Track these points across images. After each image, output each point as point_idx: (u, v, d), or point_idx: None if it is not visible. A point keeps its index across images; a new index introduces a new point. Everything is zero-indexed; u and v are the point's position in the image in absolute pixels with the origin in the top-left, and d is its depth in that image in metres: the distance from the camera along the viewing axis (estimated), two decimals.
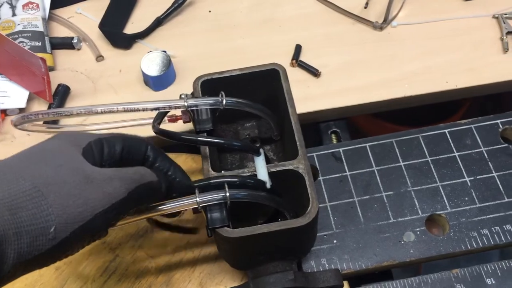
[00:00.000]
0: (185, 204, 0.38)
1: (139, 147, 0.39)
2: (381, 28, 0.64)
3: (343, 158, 0.53)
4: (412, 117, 0.72)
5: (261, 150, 0.42)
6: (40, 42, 0.63)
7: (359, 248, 0.48)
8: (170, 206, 0.37)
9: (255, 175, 0.41)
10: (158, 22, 0.66)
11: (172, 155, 0.56)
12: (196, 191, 0.38)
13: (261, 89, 0.48)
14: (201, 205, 0.37)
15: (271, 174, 0.41)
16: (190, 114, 0.43)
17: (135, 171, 0.36)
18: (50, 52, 0.64)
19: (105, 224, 0.33)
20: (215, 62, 0.63)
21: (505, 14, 0.64)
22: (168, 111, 0.43)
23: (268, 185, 0.40)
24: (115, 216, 0.34)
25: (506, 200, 0.49)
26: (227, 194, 0.37)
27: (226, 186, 0.38)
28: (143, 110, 0.40)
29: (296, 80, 0.61)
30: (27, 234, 0.29)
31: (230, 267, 0.47)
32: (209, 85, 0.47)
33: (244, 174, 0.41)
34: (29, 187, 0.30)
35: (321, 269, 0.47)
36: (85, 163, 0.34)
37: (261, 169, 0.41)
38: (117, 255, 0.51)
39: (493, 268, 0.46)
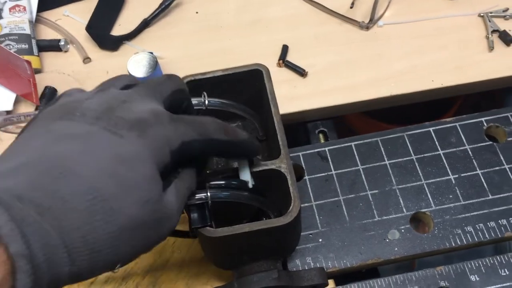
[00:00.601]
0: None
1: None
2: (367, 28, 0.64)
3: (329, 157, 0.53)
4: (404, 115, 0.72)
5: None
6: (27, 45, 0.63)
7: (344, 246, 0.48)
8: None
9: (238, 175, 0.41)
10: (145, 24, 0.66)
11: None
12: None
13: (245, 89, 0.48)
14: None
15: (254, 174, 0.42)
16: None
17: (189, 190, 0.35)
18: (37, 54, 0.64)
19: None
20: (203, 63, 0.63)
21: (491, 13, 0.64)
22: None
23: (250, 185, 0.40)
24: None
25: (490, 197, 0.49)
26: (208, 194, 0.37)
27: (207, 186, 0.38)
28: None
29: (283, 80, 0.61)
30: (93, 273, 0.29)
31: (217, 268, 0.47)
32: (193, 86, 0.47)
33: (227, 174, 0.42)
34: (115, 230, 0.28)
35: (306, 268, 0.47)
36: (163, 194, 0.31)
37: (244, 169, 0.41)
38: None
39: (477, 265, 0.46)
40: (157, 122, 0.32)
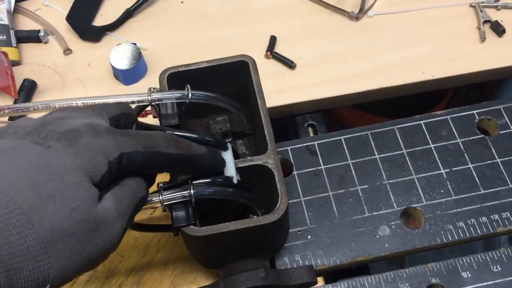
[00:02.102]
0: (148, 203, 0.36)
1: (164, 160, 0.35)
2: (357, 18, 0.63)
3: (318, 152, 0.52)
4: (394, 107, 0.71)
5: (229, 145, 0.41)
6: (4, 36, 0.61)
7: (334, 243, 0.47)
8: None
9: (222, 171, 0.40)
10: (128, 14, 0.64)
11: None
12: (160, 189, 0.37)
13: (231, 82, 0.46)
14: (165, 203, 0.36)
15: (240, 170, 0.40)
16: (155, 108, 0.41)
17: (133, 196, 0.32)
18: (15, 46, 0.61)
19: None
20: (188, 55, 0.61)
21: (482, 3, 0.63)
22: (147, 105, 0.41)
23: (235, 180, 0.39)
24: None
25: (482, 192, 0.48)
26: (192, 191, 0.36)
27: (190, 183, 0.36)
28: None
29: (271, 72, 0.60)
30: None
31: (203, 266, 0.46)
32: (177, 79, 0.45)
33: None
34: (35, 244, 0.26)
35: (295, 266, 0.46)
36: (97, 202, 0.30)
37: (229, 164, 0.39)
38: None
39: (469, 261, 0.45)
40: (92, 132, 0.31)
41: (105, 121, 0.33)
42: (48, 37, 0.64)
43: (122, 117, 0.35)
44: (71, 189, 0.29)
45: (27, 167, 0.28)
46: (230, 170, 0.39)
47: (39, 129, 0.30)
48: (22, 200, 0.27)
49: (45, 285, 0.27)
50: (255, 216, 0.41)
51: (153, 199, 0.36)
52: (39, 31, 0.63)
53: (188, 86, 0.41)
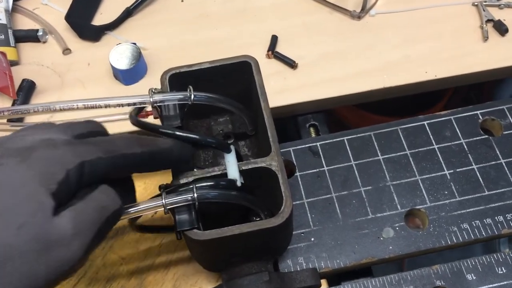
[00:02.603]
0: (151, 206, 0.35)
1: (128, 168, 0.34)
2: (359, 17, 0.62)
3: (321, 153, 0.51)
4: (395, 106, 0.71)
5: (232, 147, 0.40)
6: (2, 35, 0.60)
7: (337, 245, 0.46)
8: (134, 209, 0.35)
9: (226, 173, 0.39)
10: (128, 13, 0.63)
11: None
12: (163, 192, 0.36)
13: (233, 82, 0.46)
14: (168, 207, 0.35)
15: (243, 172, 0.39)
16: (157, 109, 0.41)
17: (100, 210, 0.31)
18: (13, 45, 0.61)
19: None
20: (188, 54, 0.61)
21: (485, 2, 0.62)
22: (145, 106, 0.41)
23: (239, 183, 0.38)
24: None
25: (486, 193, 0.48)
26: (195, 195, 0.35)
27: (194, 186, 0.36)
28: (105, 107, 0.37)
29: (273, 72, 0.59)
30: None
31: (205, 269, 0.45)
32: (178, 79, 0.44)
33: (215, 173, 0.39)
34: None
35: (299, 268, 0.45)
36: (50, 217, 0.28)
37: (232, 167, 0.39)
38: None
39: (473, 263, 0.45)
40: (46, 146, 0.30)
41: (68, 137, 0.32)
42: (47, 36, 0.63)
43: (91, 135, 0.34)
44: (21, 203, 0.27)
45: None
46: (233, 172, 0.38)
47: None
48: None
49: None
50: (259, 220, 0.40)
51: (156, 203, 0.35)
52: (37, 30, 0.62)
53: (191, 87, 0.40)
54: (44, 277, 0.27)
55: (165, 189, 0.37)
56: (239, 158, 0.41)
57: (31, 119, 0.55)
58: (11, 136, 0.32)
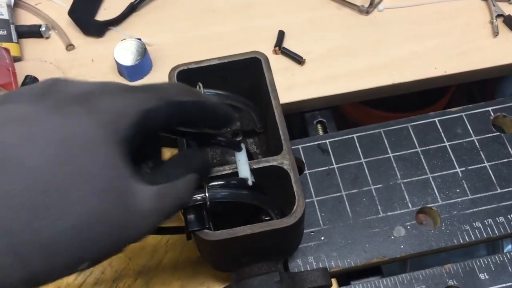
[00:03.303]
0: None
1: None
2: (367, 12, 0.61)
3: (330, 150, 0.50)
4: (399, 103, 0.70)
5: (243, 145, 0.39)
6: (5, 31, 0.59)
7: (348, 244, 0.45)
8: None
9: (236, 172, 0.38)
10: (132, 8, 0.62)
11: None
12: None
13: (242, 79, 0.45)
14: None
15: (254, 171, 0.39)
16: None
17: (177, 199, 0.30)
18: (16, 41, 0.60)
19: None
20: (194, 50, 0.60)
21: None
22: None
23: (250, 182, 0.37)
24: None
25: (499, 191, 0.47)
26: (207, 194, 0.34)
27: (205, 186, 0.35)
28: None
29: (280, 68, 0.58)
30: (51, 275, 0.25)
31: (214, 270, 0.45)
32: (186, 76, 0.43)
33: (225, 172, 0.39)
34: (66, 228, 0.24)
35: (309, 268, 0.44)
36: (130, 181, 0.27)
37: (243, 166, 0.38)
38: None
39: (486, 262, 0.44)
40: (106, 92, 0.28)
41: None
42: (50, 32, 0.62)
43: None
44: (101, 166, 0.26)
45: (50, 141, 0.25)
46: (245, 171, 0.38)
47: (50, 92, 0.27)
48: (50, 181, 0.24)
49: (76, 267, 0.26)
50: (268, 219, 0.39)
51: None
52: (40, 26, 0.61)
53: (200, 84, 0.39)
54: (122, 243, 0.27)
55: None
56: (249, 156, 0.40)
57: None
58: (61, 80, 0.29)
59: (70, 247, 0.25)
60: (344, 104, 0.86)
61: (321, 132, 0.56)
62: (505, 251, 0.68)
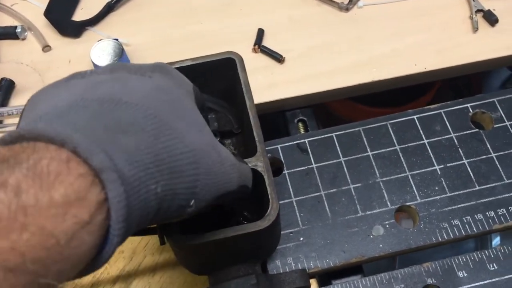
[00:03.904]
0: None
1: None
2: (347, 9, 0.61)
3: (309, 150, 0.50)
4: (385, 97, 0.70)
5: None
6: None
7: (327, 244, 0.45)
8: None
9: None
10: (109, 8, 0.61)
11: None
12: None
13: (217, 79, 0.44)
14: None
15: None
16: None
17: (249, 169, 0.34)
18: None
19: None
20: (172, 50, 0.59)
21: None
22: None
23: None
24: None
25: (477, 188, 0.47)
26: None
27: None
28: None
29: (260, 67, 0.58)
30: (174, 201, 0.25)
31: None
32: None
33: None
34: (187, 151, 0.26)
35: (288, 269, 0.44)
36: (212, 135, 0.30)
37: None
38: None
39: (464, 260, 0.44)
40: (167, 66, 0.32)
41: None
42: (26, 33, 0.61)
43: None
44: (191, 110, 0.29)
45: (146, 87, 0.28)
46: None
47: (118, 67, 0.30)
48: (160, 112, 0.26)
49: (192, 198, 0.27)
50: (245, 222, 0.39)
51: None
52: (16, 27, 0.60)
53: None
54: (219, 188, 0.29)
55: None
56: None
57: (12, 121, 0.53)
58: (119, 63, 0.33)
59: (190, 167, 0.26)
60: (331, 101, 0.86)
61: (302, 131, 0.56)
62: (493, 243, 0.68)
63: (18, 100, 0.56)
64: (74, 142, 0.21)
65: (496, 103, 0.52)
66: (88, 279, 0.47)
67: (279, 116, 0.58)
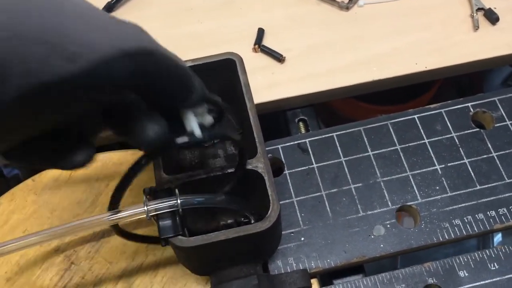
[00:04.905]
0: (132, 213, 0.34)
1: None
2: (347, 8, 0.61)
3: (310, 150, 0.50)
4: (387, 95, 0.70)
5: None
6: None
7: (328, 244, 0.45)
8: (115, 217, 0.34)
9: (210, 176, 0.38)
10: (109, 8, 0.61)
11: (122, 152, 0.53)
12: (145, 198, 0.35)
13: (218, 79, 0.44)
14: (150, 214, 0.34)
15: (230, 175, 0.38)
16: None
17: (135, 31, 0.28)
18: None
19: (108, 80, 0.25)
20: (173, 50, 0.58)
21: None
22: None
23: (197, 134, 0.33)
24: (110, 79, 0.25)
25: (478, 187, 0.47)
26: (178, 201, 0.34)
27: (177, 192, 0.35)
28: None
29: (260, 66, 0.58)
30: (37, 47, 0.21)
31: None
32: None
33: (200, 177, 0.38)
34: None
35: (289, 269, 0.44)
36: None
37: (188, 118, 0.33)
38: (72, 263, 0.48)
39: (466, 260, 0.44)
40: None
41: None
42: None
43: None
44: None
45: None
46: (191, 124, 0.33)
47: None
48: None
49: (68, 43, 0.23)
50: (248, 222, 0.39)
51: (138, 210, 0.34)
52: None
53: None
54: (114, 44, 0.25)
55: (149, 194, 0.36)
56: (231, 156, 0.40)
57: None
58: None
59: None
60: (333, 99, 0.86)
61: (303, 130, 0.56)
62: (495, 242, 0.68)
63: None
64: None
65: (497, 102, 0.51)
66: (91, 279, 0.47)
67: (280, 116, 0.59)
